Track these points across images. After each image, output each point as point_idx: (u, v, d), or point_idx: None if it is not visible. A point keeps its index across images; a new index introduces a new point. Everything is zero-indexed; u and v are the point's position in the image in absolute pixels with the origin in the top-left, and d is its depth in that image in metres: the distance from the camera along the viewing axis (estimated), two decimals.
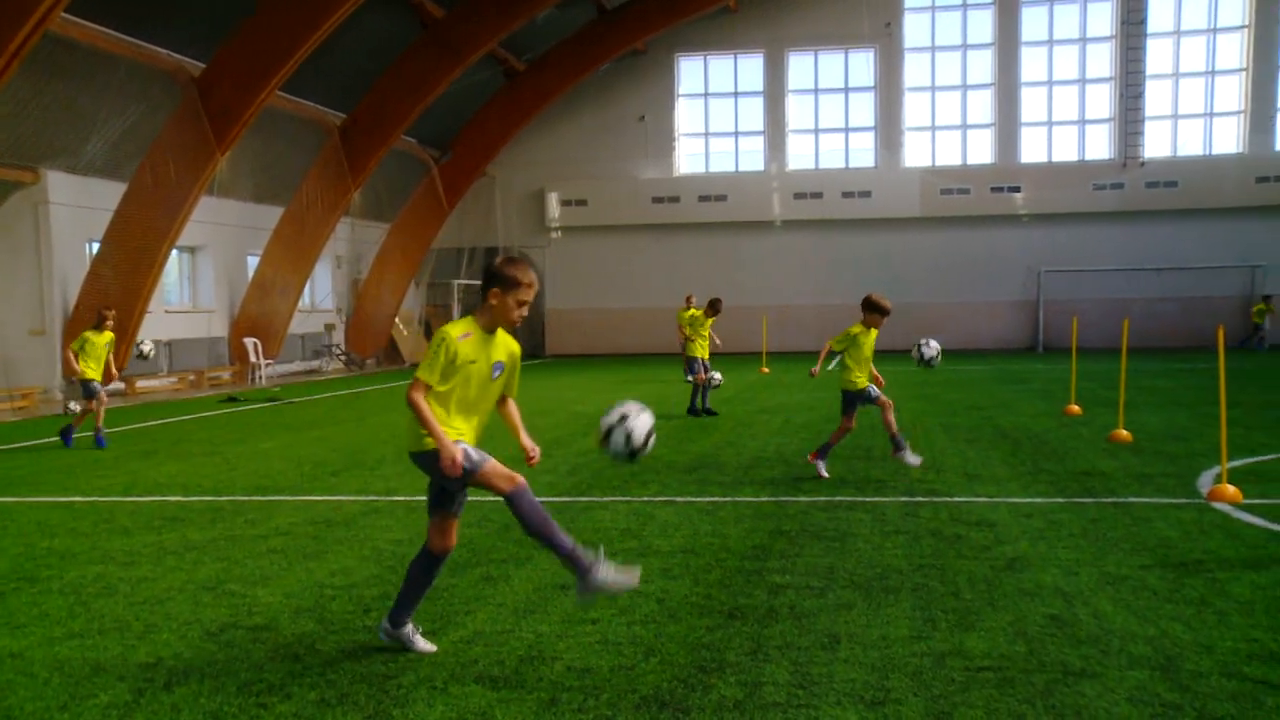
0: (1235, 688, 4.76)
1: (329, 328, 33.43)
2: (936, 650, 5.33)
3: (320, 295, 33.54)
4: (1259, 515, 8.35)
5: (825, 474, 10.68)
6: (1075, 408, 16.11)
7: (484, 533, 8.32)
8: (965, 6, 37.73)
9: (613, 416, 5.63)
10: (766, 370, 26.92)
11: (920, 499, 9.41)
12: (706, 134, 39.40)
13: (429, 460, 5.23)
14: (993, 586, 6.49)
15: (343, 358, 33.55)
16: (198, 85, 22.81)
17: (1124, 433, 13.00)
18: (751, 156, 39.09)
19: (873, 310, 10.52)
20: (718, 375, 17.45)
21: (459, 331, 5.25)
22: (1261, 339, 34.29)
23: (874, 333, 10.63)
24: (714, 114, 39.33)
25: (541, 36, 33.56)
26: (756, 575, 6.88)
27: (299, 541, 8.20)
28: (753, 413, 17.19)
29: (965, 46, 37.91)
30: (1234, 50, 36.73)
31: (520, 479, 5.15)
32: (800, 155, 38.93)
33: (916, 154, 38.35)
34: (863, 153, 38.60)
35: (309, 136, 29.21)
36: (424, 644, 5.51)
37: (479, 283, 5.48)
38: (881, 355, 11.29)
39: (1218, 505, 8.80)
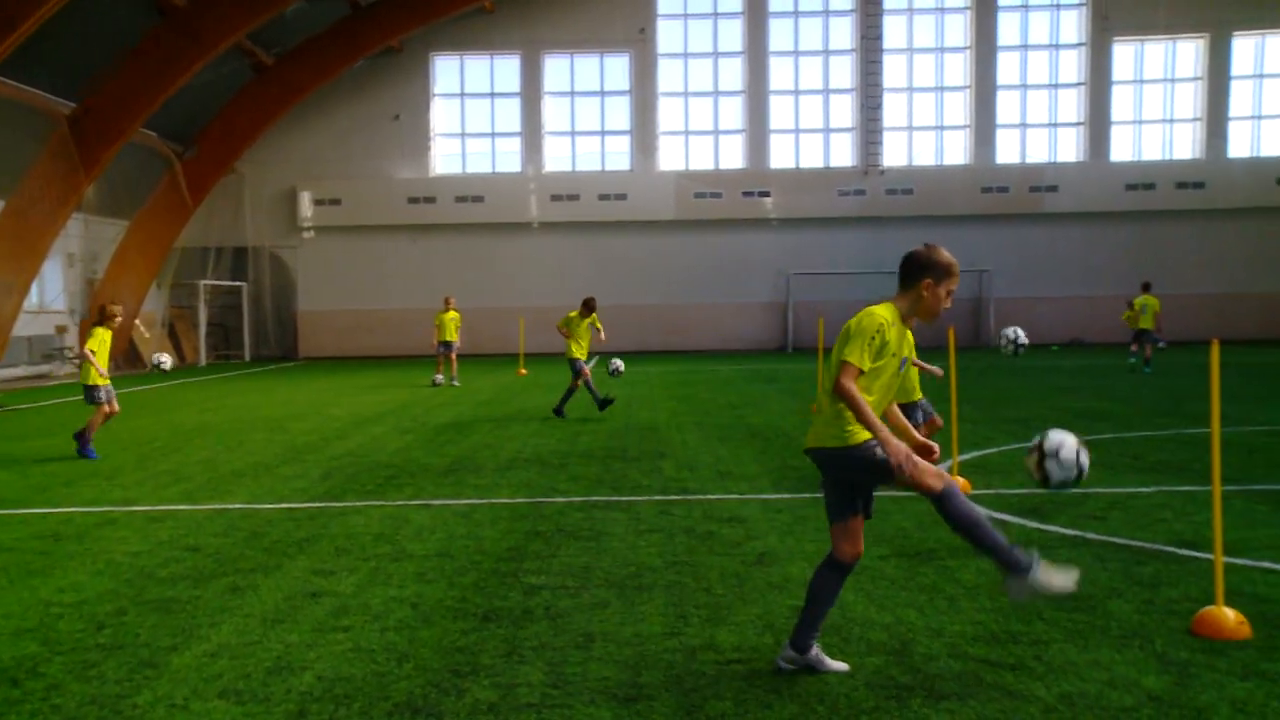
0: (961, 668, 5.05)
1: (60, 330, 31.38)
2: (688, 645, 5.45)
3: (50, 295, 31.43)
4: (985, 505, 8.91)
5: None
6: None
7: (230, 541, 7.99)
8: (716, 15, 38.82)
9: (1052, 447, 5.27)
10: (524, 372, 26.90)
11: (674, 497, 9.60)
12: (463, 134, 39.11)
13: (856, 458, 4.71)
14: (743, 581, 6.68)
15: (76, 361, 31.55)
16: None
17: None
18: (508, 158, 39.07)
19: None
20: (618, 362, 18.97)
21: (890, 317, 4.84)
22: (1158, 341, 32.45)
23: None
24: (470, 114, 39.08)
25: (291, 30, 32.54)
26: (512, 577, 6.86)
27: (23, 558, 7.65)
28: (510, 414, 17.16)
29: (716, 54, 39.00)
30: (959, 68, 39.23)
31: (949, 477, 4.69)
32: (557, 157, 39.18)
33: (671, 158, 39.18)
34: (618, 156, 39.15)
35: (34, 125, 27.29)
36: (838, 664, 5.06)
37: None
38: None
39: None
